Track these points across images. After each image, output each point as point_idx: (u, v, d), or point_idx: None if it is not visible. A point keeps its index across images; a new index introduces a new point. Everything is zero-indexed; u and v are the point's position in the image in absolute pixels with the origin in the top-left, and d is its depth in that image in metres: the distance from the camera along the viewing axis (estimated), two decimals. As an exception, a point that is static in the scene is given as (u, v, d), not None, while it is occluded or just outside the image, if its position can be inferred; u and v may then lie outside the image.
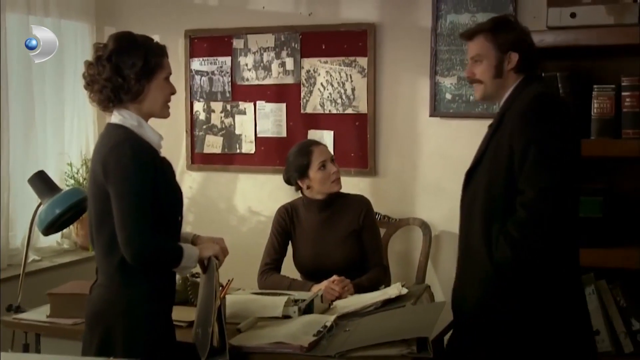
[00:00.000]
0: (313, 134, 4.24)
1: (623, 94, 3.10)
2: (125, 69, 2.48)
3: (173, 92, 2.64)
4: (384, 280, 3.52)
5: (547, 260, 2.51)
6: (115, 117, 2.55)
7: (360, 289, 3.25)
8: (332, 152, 3.60)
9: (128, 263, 2.44)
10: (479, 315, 2.63)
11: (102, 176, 2.46)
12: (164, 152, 4.77)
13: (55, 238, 4.34)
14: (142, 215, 2.42)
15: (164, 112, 2.64)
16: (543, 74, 3.18)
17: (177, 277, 3.19)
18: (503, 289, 2.56)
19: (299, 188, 3.54)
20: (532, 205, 2.45)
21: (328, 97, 4.26)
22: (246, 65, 4.43)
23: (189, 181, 4.63)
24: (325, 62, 4.25)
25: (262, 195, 4.46)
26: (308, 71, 4.29)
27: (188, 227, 4.64)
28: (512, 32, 2.69)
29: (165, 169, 2.58)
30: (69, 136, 4.48)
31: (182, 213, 2.67)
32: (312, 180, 3.48)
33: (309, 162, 3.47)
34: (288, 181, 3.57)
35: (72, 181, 4.34)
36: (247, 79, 4.44)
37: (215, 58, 4.50)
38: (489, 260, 2.54)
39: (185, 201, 4.52)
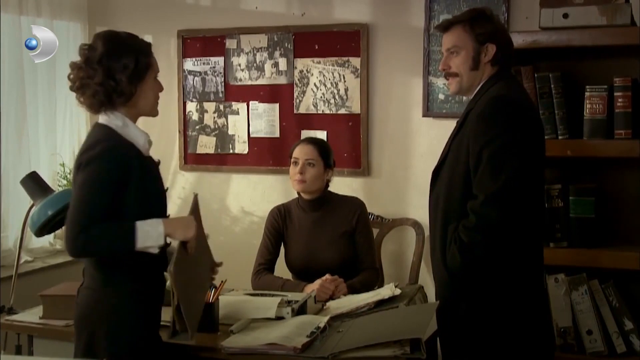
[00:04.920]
0: (306, 135, 4.24)
1: (615, 94, 3.11)
2: (117, 72, 2.44)
3: (161, 89, 2.62)
4: (376, 282, 3.52)
5: (498, 264, 2.51)
6: (102, 118, 2.53)
7: (352, 291, 3.25)
8: (312, 156, 3.49)
9: (107, 263, 2.44)
10: (442, 314, 2.67)
11: (75, 173, 2.46)
12: (157, 153, 4.77)
13: (47, 239, 4.33)
14: (86, 207, 2.36)
15: (154, 111, 2.63)
16: (536, 75, 3.19)
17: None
18: (457, 290, 2.58)
19: None
20: (480, 211, 2.45)
21: (321, 97, 4.26)
22: (239, 65, 4.42)
23: (182, 181, 4.62)
24: (318, 63, 4.25)
25: (255, 196, 4.46)
26: (301, 71, 4.29)
27: (181, 227, 4.63)
28: (489, 24, 2.68)
29: (147, 169, 2.54)
30: (61, 136, 4.47)
31: (166, 215, 2.61)
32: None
33: (291, 154, 3.56)
34: None
35: (64, 182, 4.33)
36: (240, 79, 4.43)
37: (208, 58, 4.50)
38: (443, 263, 2.57)
39: (178, 202, 4.60)
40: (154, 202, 2.53)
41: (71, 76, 2.53)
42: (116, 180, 2.41)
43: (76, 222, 2.36)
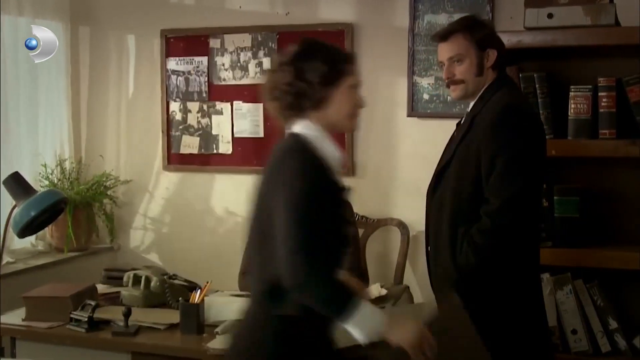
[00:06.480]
0: (290, 134, 4.22)
1: (600, 94, 3.11)
2: (308, 73, 2.20)
3: (360, 104, 2.31)
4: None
5: (508, 264, 2.59)
6: (296, 127, 2.25)
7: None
8: None
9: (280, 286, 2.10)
10: None
11: (267, 185, 2.20)
12: (140, 153, 4.76)
13: (29, 240, 4.29)
14: (312, 230, 2.06)
15: (348, 124, 2.31)
16: (520, 75, 3.20)
17: (155, 279, 3.17)
18: (466, 290, 2.58)
19: None
20: (496, 215, 2.52)
21: (305, 97, 4.24)
22: (223, 65, 4.40)
23: (165, 182, 4.60)
24: (303, 62, 4.23)
25: (239, 196, 4.40)
26: (285, 71, 4.27)
27: (164, 228, 4.62)
28: (486, 29, 2.74)
29: (337, 191, 2.22)
30: (43, 137, 4.43)
31: (346, 250, 2.26)
32: None
33: None
34: None
35: (46, 182, 4.30)
36: (224, 79, 4.41)
37: (191, 58, 4.47)
38: (453, 264, 2.60)
39: (162, 202, 4.58)
40: (337, 233, 2.20)
41: (264, 84, 2.31)
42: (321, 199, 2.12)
43: (308, 248, 2.05)
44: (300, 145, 2.18)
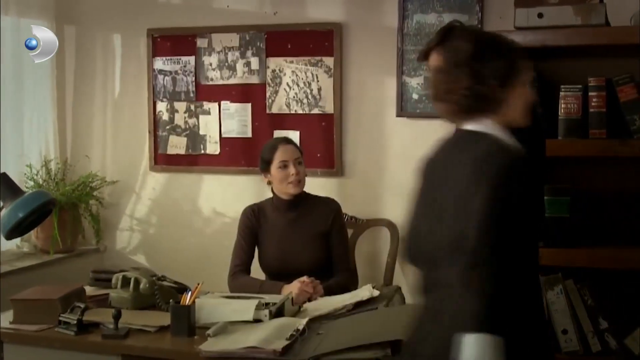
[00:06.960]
0: (279, 135, 4.20)
1: (590, 94, 3.12)
2: (487, 75, 2.10)
3: (531, 98, 2.23)
4: (352, 284, 3.50)
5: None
6: (473, 125, 2.14)
7: (328, 292, 3.22)
8: (298, 154, 3.50)
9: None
10: None
11: (465, 184, 2.02)
12: (126, 153, 4.73)
13: (14, 242, 4.25)
14: (502, 240, 1.96)
15: (523, 121, 2.22)
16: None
17: (144, 280, 3.14)
18: None
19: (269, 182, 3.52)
20: None
21: (294, 97, 4.23)
22: (210, 64, 4.38)
23: (152, 182, 4.57)
24: (291, 62, 4.22)
25: (227, 197, 4.42)
26: (273, 71, 4.26)
27: (151, 229, 4.59)
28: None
29: (534, 198, 2.11)
30: (28, 137, 4.38)
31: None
32: (272, 177, 3.47)
33: (271, 158, 3.46)
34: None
35: (31, 183, 4.26)
36: (212, 79, 4.39)
37: (178, 57, 4.44)
38: None
39: (148, 203, 4.54)
40: (528, 246, 2.12)
41: (434, 82, 2.20)
42: (517, 204, 2.00)
43: (478, 256, 1.95)
44: (495, 147, 2.07)
